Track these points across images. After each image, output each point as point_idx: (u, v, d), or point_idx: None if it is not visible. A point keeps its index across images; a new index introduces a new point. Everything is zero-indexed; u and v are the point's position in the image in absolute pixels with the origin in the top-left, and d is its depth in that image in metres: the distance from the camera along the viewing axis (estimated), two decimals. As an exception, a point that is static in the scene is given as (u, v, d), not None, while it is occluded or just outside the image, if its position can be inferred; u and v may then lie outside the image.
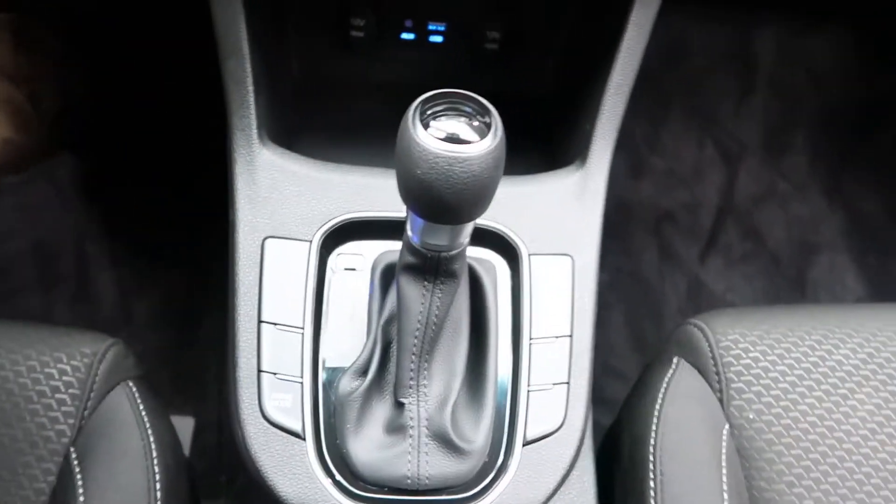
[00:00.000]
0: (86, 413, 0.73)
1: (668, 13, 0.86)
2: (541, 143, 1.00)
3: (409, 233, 0.65)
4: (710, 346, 0.82)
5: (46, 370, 0.72)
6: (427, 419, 0.70)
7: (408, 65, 1.02)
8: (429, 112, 0.57)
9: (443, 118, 0.57)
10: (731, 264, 1.65)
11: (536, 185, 0.86)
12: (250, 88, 0.81)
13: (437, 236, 0.64)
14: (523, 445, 0.73)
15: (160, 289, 1.44)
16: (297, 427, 0.71)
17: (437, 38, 1.00)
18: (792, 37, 1.78)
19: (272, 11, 0.90)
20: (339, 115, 1.03)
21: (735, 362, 0.81)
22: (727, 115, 1.78)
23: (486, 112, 0.57)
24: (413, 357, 0.69)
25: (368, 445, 0.70)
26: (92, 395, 0.73)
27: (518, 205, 0.83)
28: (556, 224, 0.84)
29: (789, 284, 1.64)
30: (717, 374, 0.81)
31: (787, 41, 1.78)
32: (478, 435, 0.72)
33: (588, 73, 0.90)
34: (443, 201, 0.57)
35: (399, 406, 0.71)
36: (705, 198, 1.72)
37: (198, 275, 1.45)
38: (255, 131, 0.81)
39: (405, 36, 0.99)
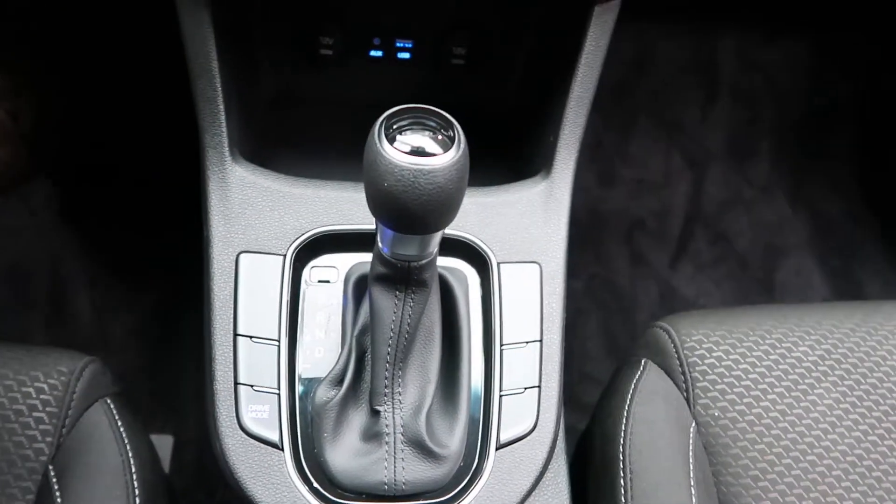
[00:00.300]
0: (64, 431, 0.73)
1: (634, 27, 0.90)
2: (507, 154, 1.03)
3: (380, 244, 0.67)
4: (675, 347, 0.85)
5: (23, 389, 0.73)
6: (402, 426, 0.72)
7: (377, 81, 1.04)
8: (394, 127, 0.59)
9: (408, 132, 0.59)
10: (701, 269, 1.69)
11: (504, 195, 0.89)
12: (221, 107, 0.82)
13: (406, 247, 0.66)
14: (497, 449, 0.75)
15: (136, 309, 1.44)
16: (274, 438, 0.72)
17: (405, 55, 1.02)
18: (751, 48, 1.83)
19: (241, 31, 0.92)
20: (310, 130, 1.05)
21: (700, 362, 0.84)
22: (692, 124, 1.83)
23: (450, 125, 0.60)
24: (387, 365, 0.71)
25: (345, 453, 0.72)
26: (70, 412, 0.74)
27: (486, 215, 0.85)
28: (523, 233, 0.86)
29: (758, 287, 1.68)
30: (683, 373, 0.84)
31: (747, 52, 1.84)
32: (452, 440, 0.74)
33: (550, 87, 0.93)
34: (409, 212, 0.59)
35: (375, 414, 0.72)
36: (674, 205, 1.76)
37: (174, 294, 1.46)
38: (226, 149, 0.83)
39: (373, 53, 1.02)
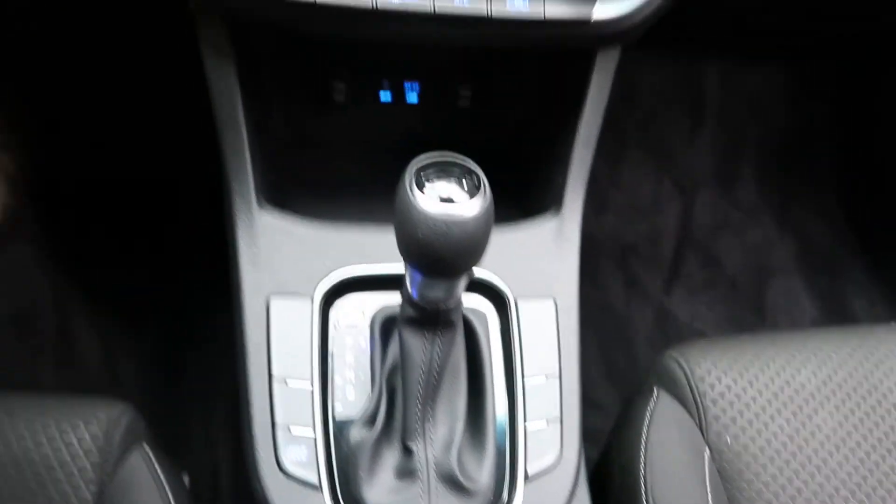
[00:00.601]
0: (106, 478, 0.75)
1: (621, 59, 0.95)
2: (515, 192, 1.07)
3: (409, 288, 0.71)
4: (686, 376, 0.89)
5: (65, 438, 0.75)
6: (435, 462, 0.74)
7: (387, 123, 1.08)
8: (421, 175, 0.63)
9: (435, 181, 0.63)
10: (694, 292, 1.74)
11: (516, 233, 0.92)
12: (247, 157, 0.86)
13: (435, 290, 0.69)
14: (525, 481, 0.78)
15: (145, 348, 1.45)
16: (313, 478, 0.75)
17: (413, 99, 1.06)
18: (732, 75, 1.90)
19: (259, 82, 0.95)
20: (325, 172, 1.08)
21: (710, 391, 0.88)
22: (680, 149, 1.89)
23: (473, 172, 0.64)
24: (418, 404, 0.74)
25: (382, 491, 0.74)
26: (111, 459, 0.76)
27: (501, 252, 0.89)
28: (537, 269, 0.90)
29: (749, 309, 1.73)
30: (695, 402, 0.87)
31: (729, 79, 1.91)
32: (482, 474, 0.76)
33: (557, 127, 0.98)
34: (442, 259, 0.63)
35: (407, 452, 0.75)
36: (665, 229, 1.81)
37: (182, 331, 1.47)
38: (253, 196, 0.86)
39: (383, 96, 1.06)
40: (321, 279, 0.84)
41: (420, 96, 1.06)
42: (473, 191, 0.62)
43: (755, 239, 1.82)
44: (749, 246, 1.81)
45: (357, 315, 0.85)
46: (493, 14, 0.76)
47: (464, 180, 0.63)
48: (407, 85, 1.05)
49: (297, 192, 1.01)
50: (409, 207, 0.61)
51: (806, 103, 1.91)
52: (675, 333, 1.67)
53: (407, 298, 0.72)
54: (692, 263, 1.78)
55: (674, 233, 1.81)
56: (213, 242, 1.43)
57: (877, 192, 1.85)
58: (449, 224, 0.60)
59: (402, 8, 0.75)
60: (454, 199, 0.61)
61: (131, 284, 1.50)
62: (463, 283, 0.70)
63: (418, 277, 0.69)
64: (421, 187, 0.62)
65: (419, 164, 0.64)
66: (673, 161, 1.87)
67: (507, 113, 1.08)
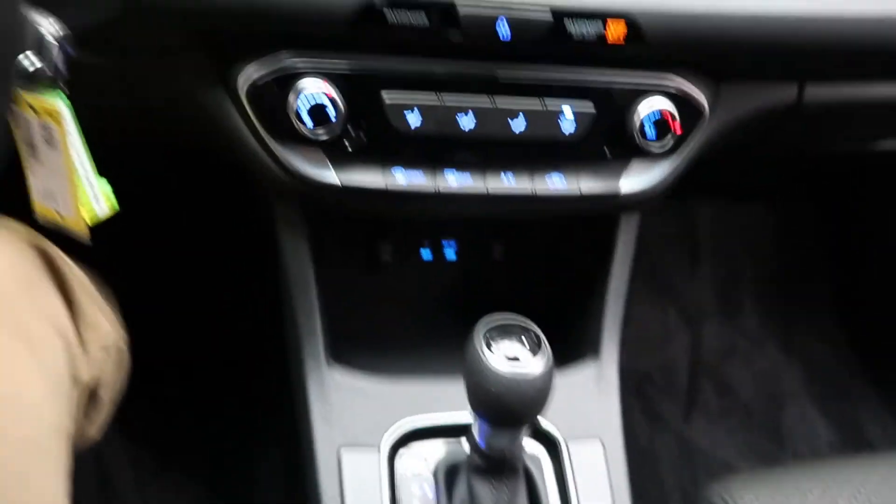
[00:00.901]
0: None
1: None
2: (552, 338, 1.16)
3: (477, 438, 0.78)
4: None
5: None
6: None
7: (431, 279, 1.19)
8: (487, 336, 0.73)
9: (499, 341, 0.73)
10: (713, 420, 1.79)
11: (559, 378, 1.00)
12: (318, 319, 0.95)
13: (501, 439, 0.77)
14: None
15: (182, 493, 1.47)
16: None
17: (452, 256, 1.18)
18: (724, 214, 2.06)
19: (323, 248, 1.07)
20: (377, 327, 1.18)
21: None
22: (681, 283, 2.00)
23: (530, 330, 0.74)
24: (489, 552, 0.79)
25: None
26: None
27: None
28: (582, 413, 0.98)
29: (767, 436, 1.78)
30: None
31: (721, 218, 2.06)
32: None
33: (589, 281, 1.08)
34: (512, 411, 0.71)
35: None
36: (677, 360, 1.89)
37: (221, 481, 1.49)
38: (323, 357, 0.95)
39: (424, 255, 1.17)
40: (385, 430, 0.91)
41: (457, 253, 1.17)
42: (535, 348, 0.72)
43: (763, 367, 1.90)
44: (759, 374, 1.88)
45: (420, 463, 0.91)
46: (537, 192, 0.89)
47: (523, 337, 0.73)
48: (445, 243, 1.17)
49: (354, 347, 1.10)
50: (482, 367, 0.70)
51: (797, 234, 2.05)
52: (699, 462, 1.70)
53: (474, 448, 0.79)
54: (707, 392, 1.84)
55: (686, 363, 1.88)
56: (248, 393, 1.48)
57: (875, 314, 1.95)
58: (519, 381, 0.69)
59: (460, 191, 0.87)
60: (519, 358, 0.71)
61: (171, 436, 1.54)
62: (525, 431, 0.78)
63: (486, 428, 0.76)
64: (489, 347, 0.71)
65: (487, 328, 0.73)
66: (676, 294, 1.98)
67: (539, 266, 1.19)
